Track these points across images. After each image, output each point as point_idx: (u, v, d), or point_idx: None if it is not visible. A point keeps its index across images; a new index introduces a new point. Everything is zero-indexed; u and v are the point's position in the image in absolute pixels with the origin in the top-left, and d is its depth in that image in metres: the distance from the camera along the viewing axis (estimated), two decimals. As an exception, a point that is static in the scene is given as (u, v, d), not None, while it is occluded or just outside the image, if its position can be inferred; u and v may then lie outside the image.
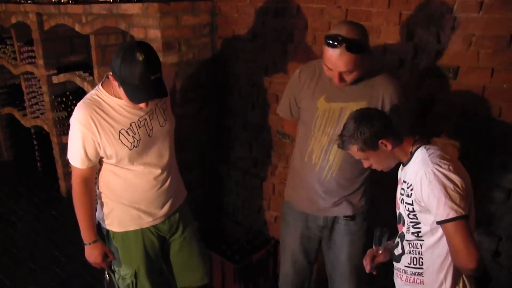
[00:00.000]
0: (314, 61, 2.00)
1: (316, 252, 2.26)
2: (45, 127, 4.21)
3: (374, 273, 1.82)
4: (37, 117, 4.36)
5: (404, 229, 1.67)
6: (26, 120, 4.50)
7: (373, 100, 1.87)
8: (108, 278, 2.11)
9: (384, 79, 1.88)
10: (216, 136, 3.26)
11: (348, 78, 1.79)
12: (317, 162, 1.99)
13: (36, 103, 4.35)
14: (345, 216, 2.06)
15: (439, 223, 1.48)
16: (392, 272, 1.81)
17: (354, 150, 1.65)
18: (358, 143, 1.61)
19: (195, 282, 2.35)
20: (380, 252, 1.81)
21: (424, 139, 1.64)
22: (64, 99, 3.96)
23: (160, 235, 2.13)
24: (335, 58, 1.72)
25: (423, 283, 1.65)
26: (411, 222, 1.62)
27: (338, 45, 1.69)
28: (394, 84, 1.89)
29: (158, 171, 1.99)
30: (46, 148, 4.35)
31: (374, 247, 1.81)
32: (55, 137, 4.05)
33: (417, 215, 1.59)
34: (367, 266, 1.81)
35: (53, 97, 3.94)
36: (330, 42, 1.71)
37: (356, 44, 1.69)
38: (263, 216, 3.16)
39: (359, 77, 1.83)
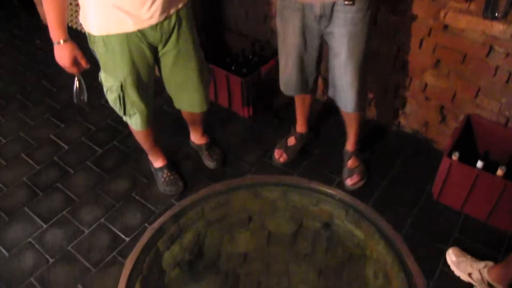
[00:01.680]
0: None
1: (319, 49, 2.01)
2: None
3: None
4: None
5: None
6: None
7: None
8: (78, 84, 1.83)
9: None
10: None
11: None
12: None
13: None
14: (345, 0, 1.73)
15: None
16: None
17: None
18: None
19: (192, 107, 2.09)
20: None
21: None
22: None
23: (151, 45, 1.78)
24: None
25: None
26: None
27: None
28: None
29: None
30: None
31: None
32: (20, -46, 3.44)
33: None
34: None
35: None
36: None
37: None
38: (270, 25, 2.76)
39: None
